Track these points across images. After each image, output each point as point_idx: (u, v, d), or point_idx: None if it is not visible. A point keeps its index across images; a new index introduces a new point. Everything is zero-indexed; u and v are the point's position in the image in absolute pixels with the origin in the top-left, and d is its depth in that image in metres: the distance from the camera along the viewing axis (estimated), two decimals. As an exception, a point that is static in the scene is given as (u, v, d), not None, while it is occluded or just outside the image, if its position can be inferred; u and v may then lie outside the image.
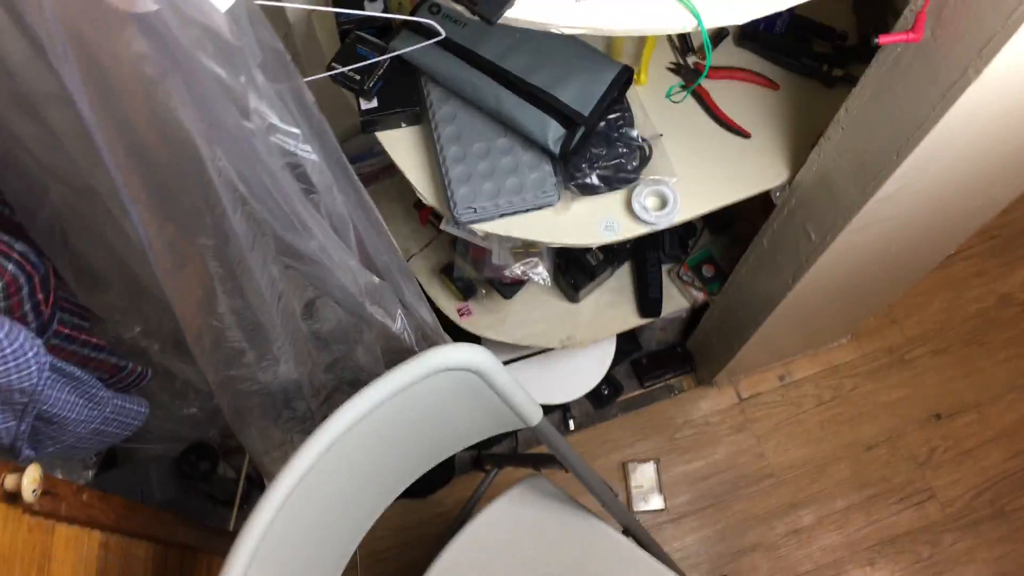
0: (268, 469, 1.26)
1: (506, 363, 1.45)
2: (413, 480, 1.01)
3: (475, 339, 1.48)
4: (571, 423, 1.84)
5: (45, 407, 0.86)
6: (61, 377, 0.88)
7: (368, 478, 0.92)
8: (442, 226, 1.10)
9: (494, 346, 1.47)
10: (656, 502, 1.77)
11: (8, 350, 0.76)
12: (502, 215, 1.03)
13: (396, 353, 1.04)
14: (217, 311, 0.90)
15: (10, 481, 0.73)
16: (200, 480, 1.42)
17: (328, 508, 0.88)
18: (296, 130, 0.70)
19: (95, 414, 0.96)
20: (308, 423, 1.17)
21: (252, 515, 0.76)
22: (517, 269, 1.22)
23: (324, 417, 1.07)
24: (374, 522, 1.01)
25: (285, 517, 0.79)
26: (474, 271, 1.34)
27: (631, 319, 1.46)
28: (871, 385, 1.90)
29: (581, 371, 1.59)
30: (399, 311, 0.99)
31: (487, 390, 0.86)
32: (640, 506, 1.77)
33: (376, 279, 0.95)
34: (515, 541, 1.14)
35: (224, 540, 1.31)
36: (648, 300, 1.44)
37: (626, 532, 1.19)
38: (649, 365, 1.87)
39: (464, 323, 1.42)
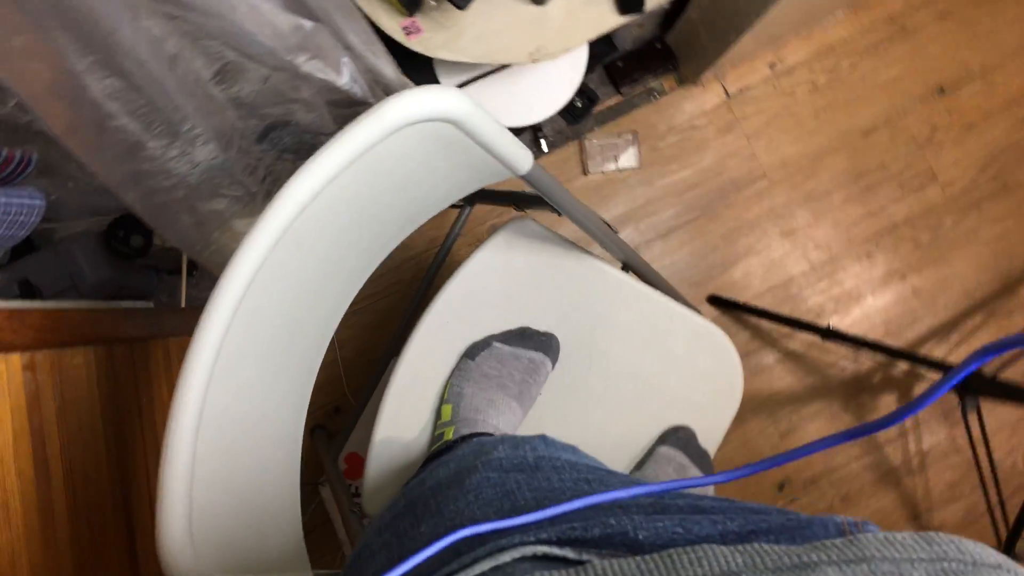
0: (208, 263, 1.04)
1: (463, 85, 1.34)
2: (389, 252, 0.91)
3: (427, 61, 1.32)
4: (543, 144, 1.70)
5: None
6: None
7: (337, 258, 0.81)
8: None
9: (450, 67, 1.34)
10: (631, 160, 1.68)
11: None
12: None
13: (347, 106, 0.85)
14: (87, 97, 0.68)
15: None
16: (135, 256, 1.29)
17: (295, 297, 0.77)
18: None
19: (-24, 220, 0.78)
20: (249, 205, 0.99)
21: (202, 321, 0.63)
22: (473, -30, 1.00)
23: (268, 194, 0.92)
24: (351, 300, 0.91)
25: (245, 314, 0.68)
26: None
27: (609, 19, 1.23)
28: (870, 63, 1.80)
29: (550, 84, 1.41)
30: (343, 59, 0.79)
31: (466, 140, 0.72)
32: (610, 166, 1.70)
33: (307, 22, 0.74)
34: (508, 286, 1.05)
35: (177, 318, 1.27)
36: (629, -8, 1.16)
37: (625, 268, 1.11)
38: (626, 68, 1.68)
39: (412, 43, 1.18)
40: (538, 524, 0.46)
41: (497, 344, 1.01)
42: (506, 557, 0.43)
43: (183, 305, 1.45)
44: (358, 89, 0.79)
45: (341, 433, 1.51)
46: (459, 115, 0.67)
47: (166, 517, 0.58)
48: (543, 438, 0.65)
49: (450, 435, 0.93)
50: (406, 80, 0.86)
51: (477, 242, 1.04)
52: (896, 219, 1.78)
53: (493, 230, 1.05)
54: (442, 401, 0.99)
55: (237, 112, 0.84)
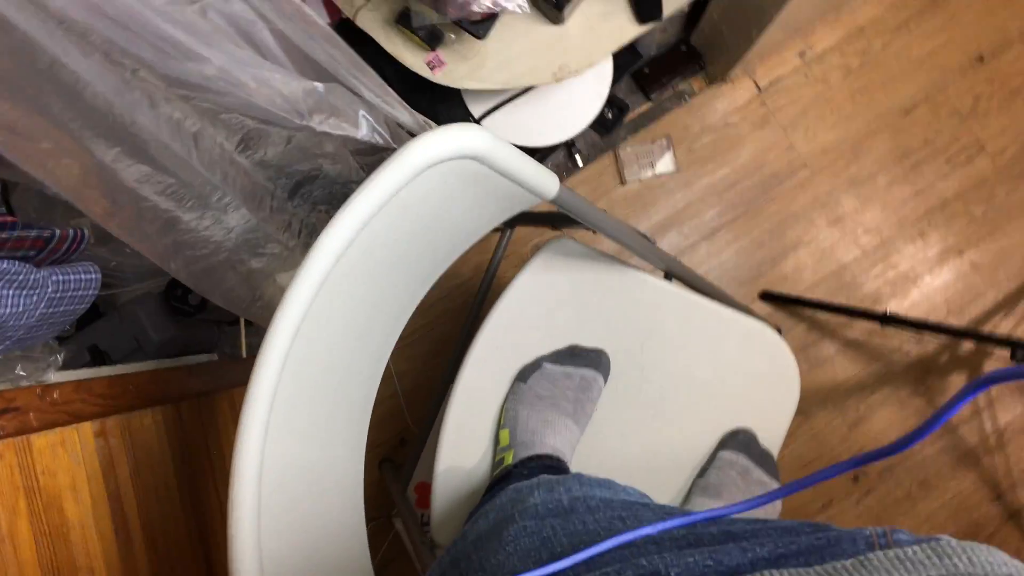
0: (257, 318, 1.12)
1: (493, 110, 1.35)
2: (430, 287, 0.92)
3: (456, 92, 1.33)
4: (578, 159, 1.69)
5: (-34, 314, 0.69)
6: (-31, 277, 0.70)
7: (379, 298, 0.82)
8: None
9: (478, 95, 1.35)
10: (667, 165, 1.67)
11: None
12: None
13: (372, 154, 0.87)
14: (119, 184, 0.72)
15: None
16: (194, 312, 1.33)
17: (342, 342, 0.79)
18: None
19: (34, 300, 0.78)
20: (289, 259, 1.02)
21: (253, 377, 0.68)
22: (486, 0, 1.02)
23: (306, 247, 0.92)
24: (399, 336, 0.92)
25: (294, 364, 0.70)
26: (435, 14, 1.10)
27: (629, 29, 1.23)
28: (903, 39, 1.76)
29: (579, 100, 1.39)
30: (361, 113, 0.80)
31: (490, 173, 0.73)
32: (647, 173, 1.69)
33: (319, 85, 0.75)
34: (553, 306, 1.06)
35: (240, 368, 1.30)
36: (645, 1, 1.19)
37: (667, 276, 1.11)
38: (653, 73, 1.69)
39: (438, 77, 1.21)
40: (575, 573, 0.48)
41: (547, 364, 1.02)
42: None
43: (244, 355, 1.49)
44: (379, 138, 0.80)
45: (408, 464, 1.53)
46: (480, 150, 0.68)
47: (238, 568, 0.60)
48: (577, 477, 0.66)
49: (510, 459, 0.94)
50: (426, 122, 0.87)
51: (522, 263, 1.06)
52: (946, 195, 1.74)
53: (536, 249, 1.07)
54: (499, 426, 1.00)
55: (264, 174, 0.87)
